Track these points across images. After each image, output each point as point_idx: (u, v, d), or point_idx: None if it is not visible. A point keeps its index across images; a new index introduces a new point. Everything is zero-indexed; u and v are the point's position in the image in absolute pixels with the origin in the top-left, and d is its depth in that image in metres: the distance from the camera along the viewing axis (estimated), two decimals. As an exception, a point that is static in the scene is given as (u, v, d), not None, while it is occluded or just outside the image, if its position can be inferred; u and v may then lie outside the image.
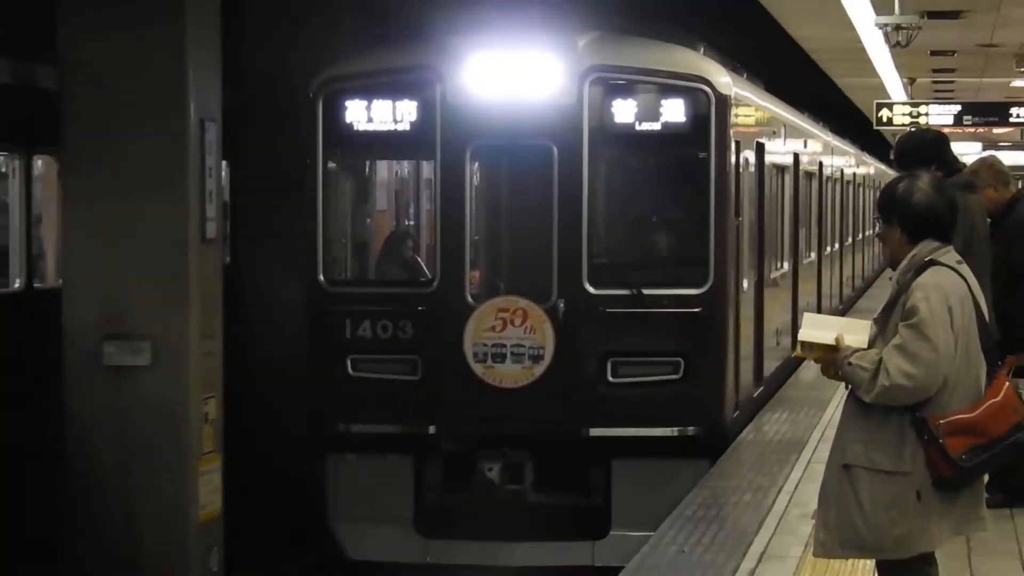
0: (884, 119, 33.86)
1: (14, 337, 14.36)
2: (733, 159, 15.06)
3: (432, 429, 14.47)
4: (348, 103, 14.74)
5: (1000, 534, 10.98)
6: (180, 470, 13.69)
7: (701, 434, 14.44)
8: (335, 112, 14.77)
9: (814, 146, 25.22)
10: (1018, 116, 33.17)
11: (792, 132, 22.42)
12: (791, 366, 20.64)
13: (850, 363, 7.06)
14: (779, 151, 20.94)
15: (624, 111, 14.36)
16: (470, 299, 14.46)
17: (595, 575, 14.37)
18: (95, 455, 13.76)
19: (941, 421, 6.96)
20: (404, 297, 14.80)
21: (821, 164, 26.39)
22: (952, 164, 11.60)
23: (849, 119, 39.53)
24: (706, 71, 14.66)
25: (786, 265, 21.81)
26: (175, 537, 13.72)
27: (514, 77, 14.36)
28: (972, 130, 34.94)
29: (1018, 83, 33.92)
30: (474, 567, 14.62)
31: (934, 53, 29.44)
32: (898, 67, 32.69)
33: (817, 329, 7.22)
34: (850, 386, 7.16)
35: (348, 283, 15.39)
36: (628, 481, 14.38)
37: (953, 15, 22.80)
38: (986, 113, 33.83)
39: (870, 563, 8.09)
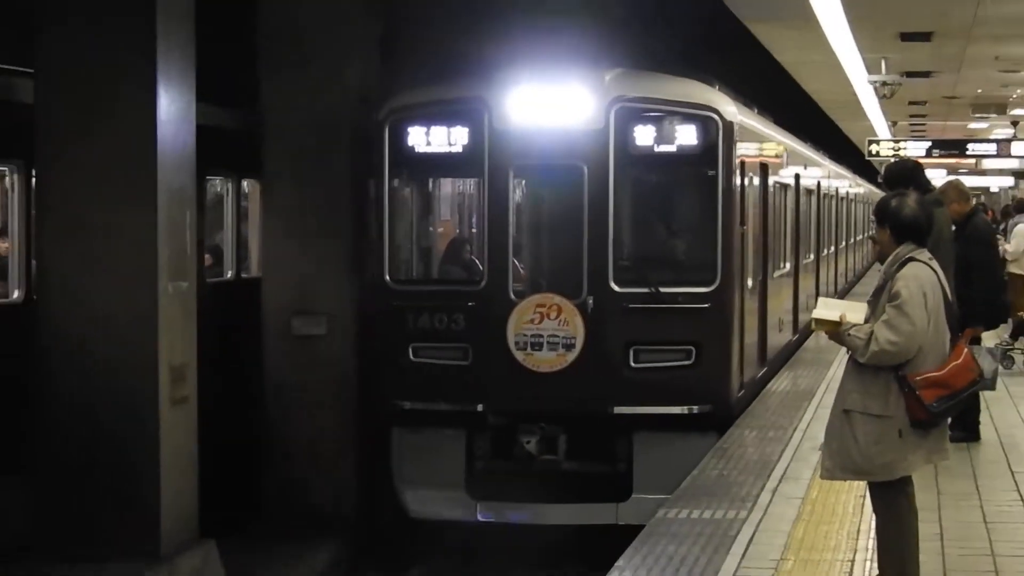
0: (874, 152, 40.98)
1: (227, 313, 17.26)
2: (738, 177, 16.73)
3: (480, 407, 16.17)
4: (410, 129, 16.49)
5: (959, 461, 13.36)
6: (344, 418, 17.75)
7: (710, 411, 16.07)
8: (399, 137, 16.52)
9: (813, 169, 27.57)
10: (973, 150, 41.01)
11: (794, 157, 24.24)
12: (794, 346, 23.27)
13: (849, 334, 8.81)
14: (781, 172, 22.39)
15: (644, 135, 16.01)
16: (513, 296, 16.13)
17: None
18: (286, 406, 17.60)
19: (917, 378, 8.70)
20: (457, 294, 16.48)
21: (819, 183, 28.69)
22: (925, 185, 13.86)
23: (846, 151, 46.40)
24: (715, 102, 16.33)
25: (788, 265, 23.34)
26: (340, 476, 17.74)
27: (550, 106, 16.11)
28: (939, 160, 41.55)
29: (973, 125, 42.06)
30: (516, 525, 16.34)
31: (911, 103, 36.45)
32: (884, 113, 39.59)
33: (827, 309, 9.01)
34: (849, 351, 8.91)
35: (410, 282, 17.08)
36: (647, 452, 16.03)
37: (925, 75, 28.48)
38: (950, 147, 41.09)
39: (862, 484, 10.14)
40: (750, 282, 18.31)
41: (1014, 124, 41.58)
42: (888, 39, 23.70)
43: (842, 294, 32.66)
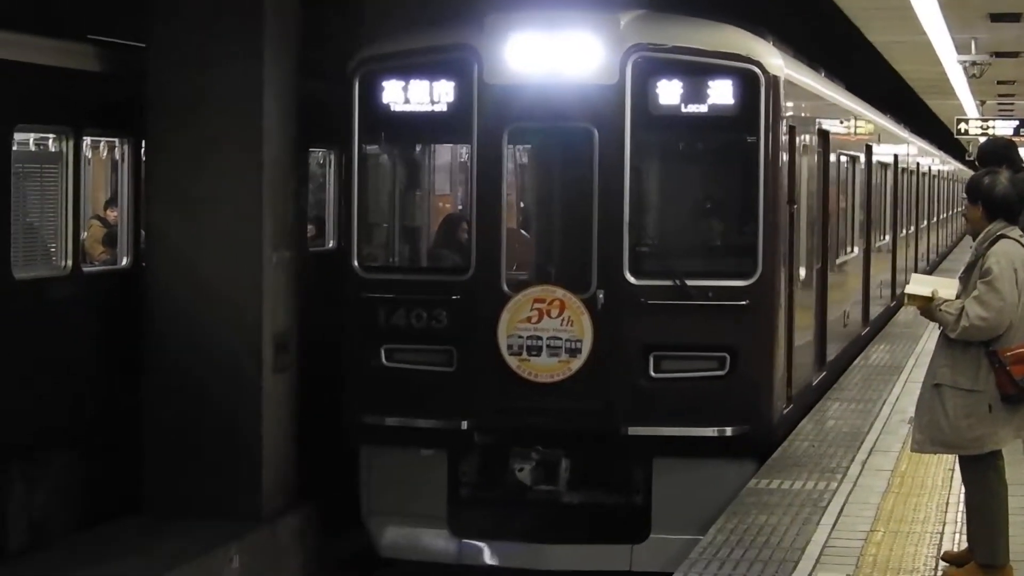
0: (962, 130, 42.61)
1: (328, 278, 15.19)
2: (787, 145, 13.22)
3: (465, 424, 12.81)
4: (385, 83, 13.06)
5: None
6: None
7: (747, 433, 12.60)
8: (371, 93, 13.10)
9: (889, 141, 25.27)
10: None
11: (865, 126, 21.40)
12: (866, 340, 21.03)
13: (941, 310, 8.69)
14: (849, 142, 19.39)
15: (669, 92, 12.52)
16: (506, 288, 12.74)
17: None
18: None
19: (1008, 353, 8.58)
20: (438, 285, 13.06)
21: (897, 157, 26.54)
22: (1018, 163, 12.99)
23: (935, 130, 47.17)
24: (756, 51, 12.73)
25: (856, 249, 20.40)
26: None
27: (553, 57, 12.61)
28: None
29: None
30: (507, 569, 13.12)
31: (999, 82, 36.25)
32: (972, 92, 39.31)
33: (919, 285, 8.88)
34: (940, 327, 8.76)
35: (383, 269, 13.63)
36: (670, 481, 12.65)
37: (1013, 55, 28.51)
38: None
39: (952, 457, 10.03)
40: (803, 272, 14.82)
41: None
42: (978, 20, 23.26)
43: (931, 269, 32.20)
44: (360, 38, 13.88)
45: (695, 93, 12.54)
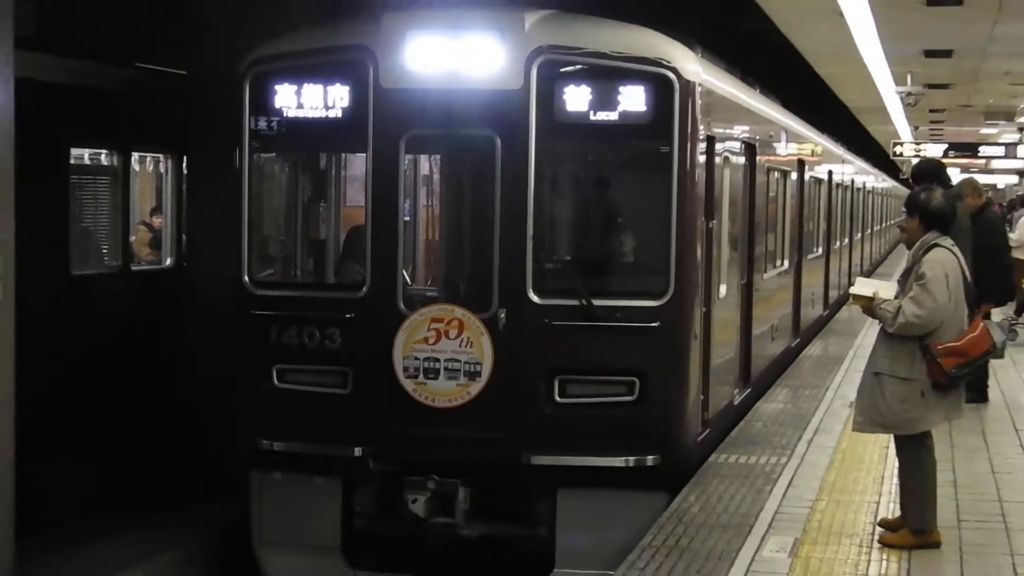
0: (898, 152, 45.70)
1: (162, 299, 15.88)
2: (703, 155, 11.91)
3: (359, 451, 11.58)
4: (277, 86, 11.72)
5: (970, 419, 14.31)
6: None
7: (657, 463, 11.28)
8: (263, 96, 11.77)
9: (823, 156, 24.58)
10: (984, 152, 45.69)
11: (796, 139, 20.33)
12: (797, 350, 20.79)
13: (881, 308, 9.62)
14: (778, 155, 18.21)
15: (576, 98, 11.17)
16: (402, 306, 11.49)
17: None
18: None
19: (939, 347, 9.49)
20: (332, 303, 11.71)
21: (831, 172, 26.06)
22: (947, 182, 14.73)
23: (873, 151, 51.22)
24: (671, 55, 11.34)
25: (786, 263, 19.31)
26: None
27: (453, 59, 11.28)
28: (954, 160, 44.48)
29: (984, 131, 46.22)
30: None
31: (931, 111, 40.37)
32: (908, 119, 43.25)
33: (862, 287, 9.86)
34: (880, 323, 9.68)
35: (274, 285, 12.25)
36: (575, 514, 11.34)
37: (944, 87, 31.59)
38: (964, 149, 45.41)
39: (888, 436, 10.64)
40: (723, 289, 13.52)
41: (1020, 130, 43.97)
42: (914, 56, 25.55)
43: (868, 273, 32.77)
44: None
45: (605, 99, 11.20)
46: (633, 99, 11.22)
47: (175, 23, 15.87)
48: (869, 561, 9.67)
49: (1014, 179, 61.54)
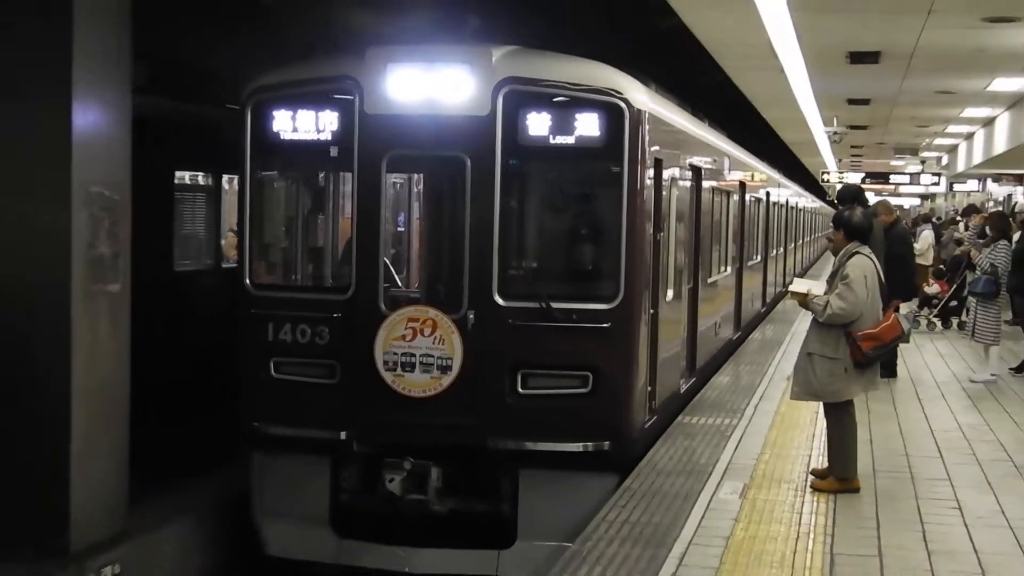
0: (825, 179, 54.22)
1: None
2: (651, 175, 13.04)
3: (344, 435, 12.62)
4: (275, 112, 12.79)
5: (883, 391, 17.05)
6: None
7: (608, 449, 12.36)
8: (263, 121, 12.83)
9: (762, 180, 27.71)
10: (894, 180, 52.89)
11: (738, 165, 22.24)
12: (738, 341, 23.21)
13: (813, 302, 11.52)
14: (720, 176, 19.61)
15: (537, 124, 12.27)
16: (383, 307, 12.62)
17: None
18: None
19: (859, 333, 11.46)
20: (322, 303, 12.78)
21: (768, 192, 29.07)
22: (865, 202, 16.82)
23: (806, 178, 60.10)
24: (622, 86, 12.47)
25: (728, 269, 20.96)
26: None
27: (429, 89, 12.39)
28: (870, 185, 50.82)
29: (894, 162, 52.98)
30: (382, 571, 12.97)
31: (852, 146, 46.30)
32: (833, 152, 48.31)
33: (799, 285, 11.85)
34: (813, 314, 11.58)
35: (272, 287, 13.33)
36: (535, 493, 12.40)
37: (863, 128, 36.40)
38: (878, 177, 52.83)
39: (818, 404, 12.71)
40: (671, 292, 14.70)
41: (922, 163, 51.28)
42: (840, 103, 29.33)
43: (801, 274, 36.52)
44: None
45: (563, 125, 12.30)
46: (588, 125, 12.31)
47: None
48: (803, 502, 11.45)
49: (917, 201, 73.76)
